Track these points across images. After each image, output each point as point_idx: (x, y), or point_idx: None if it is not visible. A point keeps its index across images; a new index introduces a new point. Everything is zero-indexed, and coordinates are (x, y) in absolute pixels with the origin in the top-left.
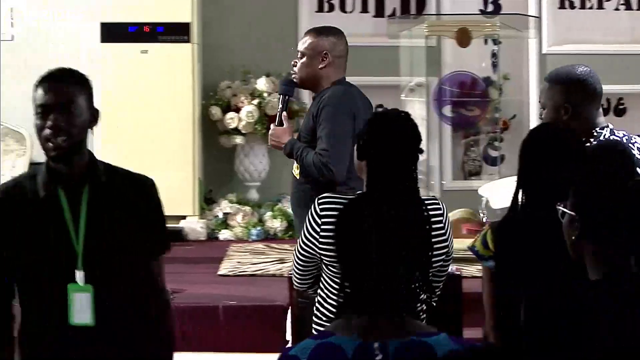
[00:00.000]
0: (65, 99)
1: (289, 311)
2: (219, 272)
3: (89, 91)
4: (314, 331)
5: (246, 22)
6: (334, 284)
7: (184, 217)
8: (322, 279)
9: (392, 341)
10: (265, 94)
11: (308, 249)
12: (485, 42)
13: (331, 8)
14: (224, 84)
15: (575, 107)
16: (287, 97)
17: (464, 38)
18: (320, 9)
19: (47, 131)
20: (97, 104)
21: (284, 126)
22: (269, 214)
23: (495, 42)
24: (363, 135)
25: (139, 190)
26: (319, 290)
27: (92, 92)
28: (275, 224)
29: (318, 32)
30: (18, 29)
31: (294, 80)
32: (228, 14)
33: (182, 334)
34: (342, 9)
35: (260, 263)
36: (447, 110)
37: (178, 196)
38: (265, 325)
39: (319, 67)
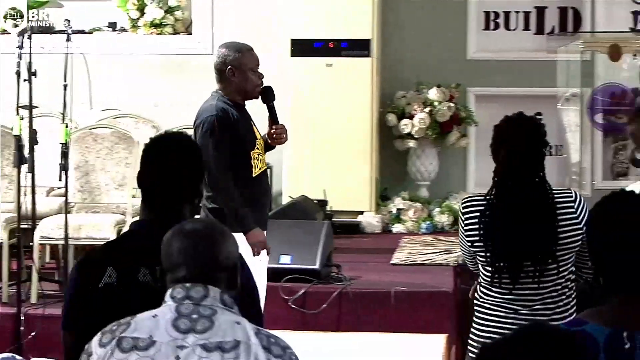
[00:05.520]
0: None
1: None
2: (392, 261)
3: None
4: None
5: (420, 39)
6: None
7: (361, 212)
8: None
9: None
10: (436, 103)
11: None
12: (635, 56)
13: (497, 26)
14: (399, 93)
15: None
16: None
17: (615, 53)
18: (487, 27)
19: None
20: (286, 110)
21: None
22: (437, 209)
23: None
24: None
25: None
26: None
27: None
28: (443, 219)
29: None
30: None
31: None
32: (404, 31)
33: (358, 316)
34: (507, 26)
35: (428, 253)
36: (599, 118)
37: (357, 193)
38: (432, 309)
39: None
